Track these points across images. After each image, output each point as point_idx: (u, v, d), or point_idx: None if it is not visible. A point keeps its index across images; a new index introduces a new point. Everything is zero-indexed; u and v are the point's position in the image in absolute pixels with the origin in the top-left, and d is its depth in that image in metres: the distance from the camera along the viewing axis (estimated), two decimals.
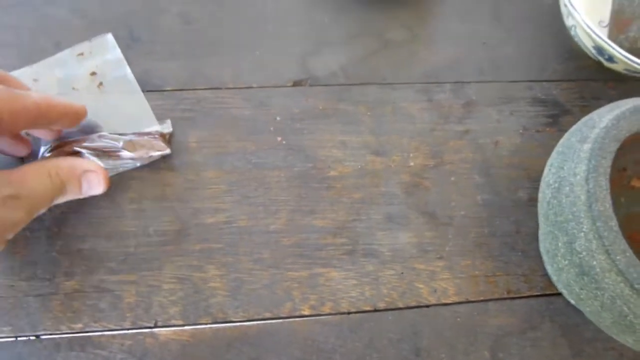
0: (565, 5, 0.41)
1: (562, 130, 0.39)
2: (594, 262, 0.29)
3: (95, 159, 0.34)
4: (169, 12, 0.41)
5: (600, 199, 0.29)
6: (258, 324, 0.34)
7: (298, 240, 0.36)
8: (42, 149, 0.34)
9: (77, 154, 0.34)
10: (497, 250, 0.37)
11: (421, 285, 0.36)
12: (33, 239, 0.34)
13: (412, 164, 0.39)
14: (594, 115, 0.34)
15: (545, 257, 0.35)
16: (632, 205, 0.37)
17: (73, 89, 0.38)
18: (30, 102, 0.29)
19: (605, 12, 0.44)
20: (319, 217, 0.36)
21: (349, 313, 0.34)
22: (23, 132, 0.35)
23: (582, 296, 0.31)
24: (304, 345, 0.33)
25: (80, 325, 0.32)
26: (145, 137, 0.35)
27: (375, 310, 0.35)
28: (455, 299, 0.35)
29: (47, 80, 0.38)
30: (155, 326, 0.33)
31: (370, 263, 0.36)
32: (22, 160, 0.35)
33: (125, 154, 0.35)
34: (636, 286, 0.28)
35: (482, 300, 0.36)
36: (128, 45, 0.40)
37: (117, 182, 0.36)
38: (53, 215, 0.35)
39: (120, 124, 0.37)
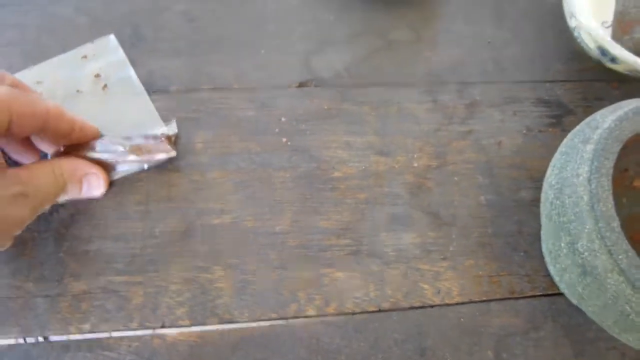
0: (568, 7, 0.41)
1: (566, 131, 0.40)
2: (597, 262, 0.29)
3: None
4: (172, 10, 0.41)
5: (602, 199, 0.30)
6: (264, 325, 0.34)
7: (303, 241, 0.36)
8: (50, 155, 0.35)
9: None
10: (500, 250, 0.37)
11: (425, 286, 0.36)
12: (40, 241, 0.34)
13: (416, 164, 0.39)
14: (597, 116, 0.34)
15: (547, 258, 0.36)
16: (634, 206, 0.38)
17: (77, 91, 0.38)
18: (42, 107, 0.30)
19: (609, 12, 0.44)
20: (323, 218, 0.37)
21: (353, 314, 0.35)
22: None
23: (584, 296, 0.31)
24: (309, 345, 0.34)
25: (88, 327, 0.33)
26: (152, 141, 0.35)
27: (380, 311, 0.35)
28: (459, 299, 0.36)
29: (51, 82, 0.38)
30: (163, 327, 0.33)
31: (375, 263, 0.36)
32: None
33: (132, 157, 0.35)
34: (637, 285, 0.28)
35: (485, 301, 0.36)
36: (132, 44, 0.40)
37: (123, 183, 0.36)
38: (60, 217, 0.35)
39: (126, 125, 0.37)
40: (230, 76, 0.40)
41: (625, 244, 0.29)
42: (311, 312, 0.34)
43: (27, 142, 0.34)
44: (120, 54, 0.40)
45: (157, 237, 0.35)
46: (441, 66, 0.42)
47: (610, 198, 0.30)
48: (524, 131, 0.41)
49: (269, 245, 0.36)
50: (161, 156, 0.36)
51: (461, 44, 0.43)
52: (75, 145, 0.34)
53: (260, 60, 0.41)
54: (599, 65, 0.43)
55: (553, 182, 0.33)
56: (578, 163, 0.32)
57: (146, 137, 0.36)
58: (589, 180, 0.30)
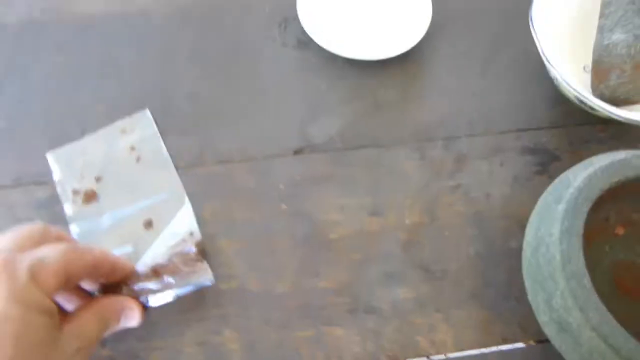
0: (545, 57, 0.43)
1: (552, 177, 0.41)
2: (571, 319, 0.31)
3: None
4: (179, 92, 0.46)
5: (573, 258, 0.32)
6: None
7: (304, 301, 0.39)
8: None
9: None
10: (492, 299, 0.40)
11: (420, 338, 0.38)
12: None
13: (407, 221, 0.42)
14: (569, 174, 0.36)
15: (533, 308, 0.38)
16: (617, 253, 0.39)
17: (115, 162, 0.43)
18: (90, 258, 0.32)
19: (588, 57, 0.46)
20: (322, 278, 0.40)
21: None
22: None
23: (563, 349, 0.33)
24: None
25: None
26: (184, 262, 0.38)
27: None
28: (453, 349, 0.38)
29: (93, 155, 0.43)
30: None
31: (371, 319, 0.39)
32: None
33: (166, 292, 0.37)
34: (609, 341, 0.30)
35: (479, 350, 0.38)
36: None
37: None
38: None
39: (154, 196, 0.42)
40: (232, 149, 0.44)
41: (595, 301, 0.31)
42: None
43: (73, 288, 0.36)
44: (154, 127, 0.44)
45: (174, 305, 0.39)
46: (428, 122, 0.45)
47: (581, 256, 0.32)
48: (511, 181, 0.43)
49: (273, 306, 0.39)
50: (197, 279, 0.38)
51: (447, 98, 0.46)
52: (116, 284, 0.37)
53: (259, 131, 0.44)
54: (582, 109, 0.45)
55: (530, 240, 0.35)
56: (551, 222, 0.34)
57: (180, 254, 0.38)
58: (560, 240, 0.32)
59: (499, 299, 0.40)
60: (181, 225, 0.40)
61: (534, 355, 0.38)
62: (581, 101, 0.41)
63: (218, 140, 0.44)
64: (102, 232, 0.41)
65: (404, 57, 0.46)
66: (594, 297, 0.31)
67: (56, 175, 0.43)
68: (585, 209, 0.33)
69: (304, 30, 0.46)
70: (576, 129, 0.46)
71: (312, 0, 0.48)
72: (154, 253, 0.39)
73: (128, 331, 0.38)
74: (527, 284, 0.35)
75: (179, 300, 0.38)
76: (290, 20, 0.49)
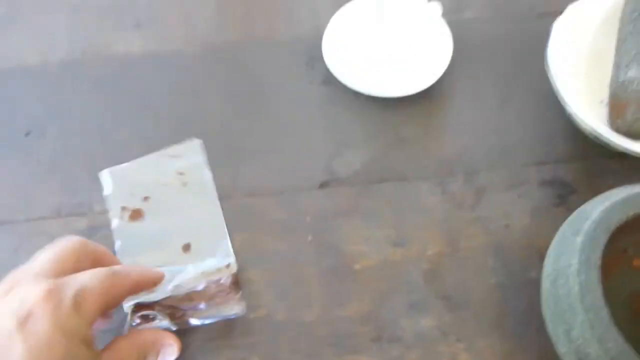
0: (560, 95, 0.44)
1: (570, 210, 0.42)
2: (589, 350, 0.32)
3: (167, 321, 0.38)
4: (211, 128, 0.48)
5: (591, 290, 0.33)
6: None
7: (330, 330, 0.41)
8: (125, 308, 0.38)
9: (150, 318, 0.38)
10: (513, 329, 0.41)
11: None
12: None
13: (429, 252, 0.43)
14: (587, 206, 0.37)
15: (552, 339, 0.39)
16: (636, 284, 0.40)
17: (163, 185, 0.45)
18: (129, 282, 0.34)
19: (605, 91, 0.47)
20: (347, 308, 0.41)
21: None
22: None
23: None
24: None
25: None
26: (220, 290, 0.40)
27: None
28: None
29: (144, 175, 0.46)
30: None
31: (395, 348, 0.40)
32: None
33: (194, 318, 0.39)
34: None
35: None
36: None
37: None
38: None
39: (196, 222, 0.44)
40: (261, 182, 0.46)
41: (614, 332, 0.32)
42: None
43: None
44: (203, 156, 0.47)
45: (202, 332, 0.41)
46: (449, 156, 0.47)
47: (600, 288, 0.33)
48: (530, 212, 0.45)
49: (300, 335, 0.40)
50: (229, 310, 0.40)
51: (466, 133, 0.48)
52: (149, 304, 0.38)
53: (286, 165, 0.47)
54: (600, 142, 0.46)
55: (549, 272, 0.36)
56: (569, 254, 0.35)
57: (215, 283, 0.40)
58: (579, 272, 0.34)
59: (520, 328, 0.41)
60: (219, 256, 0.42)
61: None
62: (596, 137, 0.43)
63: (248, 174, 0.46)
64: (142, 249, 0.43)
65: (425, 93, 0.48)
66: (613, 329, 0.32)
67: (107, 191, 0.45)
68: (602, 241, 0.34)
69: (329, 69, 0.48)
70: (594, 162, 0.47)
71: (336, 40, 0.50)
72: (188, 277, 0.41)
73: None
74: (546, 315, 0.36)
75: (207, 327, 0.40)
76: (315, 59, 0.51)
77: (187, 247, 0.43)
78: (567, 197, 0.45)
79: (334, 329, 0.41)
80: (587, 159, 0.47)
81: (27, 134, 0.49)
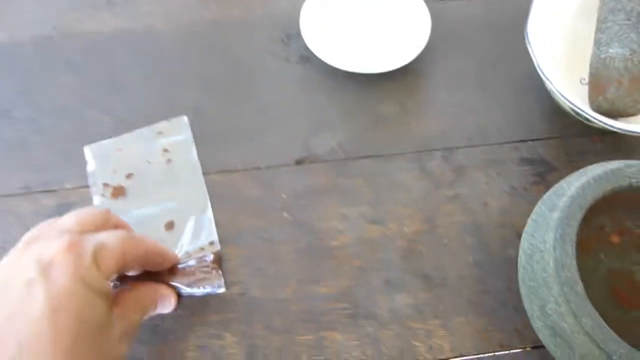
0: (541, 71, 0.44)
1: (549, 187, 0.42)
2: (564, 324, 0.32)
3: None
4: (185, 107, 0.47)
5: (566, 265, 0.33)
6: None
7: (305, 307, 0.40)
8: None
9: None
10: (490, 306, 0.40)
11: (418, 343, 0.39)
12: None
13: (406, 230, 0.43)
14: (563, 183, 0.37)
15: (528, 314, 0.38)
16: (613, 261, 0.40)
17: (148, 162, 0.45)
18: (144, 248, 0.34)
19: (585, 70, 0.47)
20: (323, 285, 0.41)
21: None
22: None
23: (557, 354, 0.34)
24: None
25: None
26: (202, 266, 0.39)
27: None
28: (450, 354, 0.39)
29: (128, 152, 0.45)
30: None
31: (370, 325, 0.39)
32: None
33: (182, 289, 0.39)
34: (602, 346, 0.31)
35: (475, 355, 0.39)
36: None
37: None
38: None
39: (179, 200, 0.43)
40: (236, 160, 0.45)
41: (588, 307, 0.32)
42: None
43: None
44: (189, 134, 0.46)
45: (176, 310, 0.40)
46: (427, 135, 0.46)
47: (574, 263, 0.33)
48: (509, 191, 0.44)
49: (275, 312, 0.40)
50: (208, 289, 0.39)
51: (445, 113, 0.47)
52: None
53: (262, 143, 0.46)
54: (579, 120, 0.46)
55: (525, 248, 0.36)
56: (545, 230, 0.35)
57: (198, 259, 0.39)
58: (554, 248, 0.33)
59: (497, 306, 0.40)
60: (203, 233, 0.42)
61: None
62: (577, 113, 0.42)
63: (224, 151, 0.45)
64: None
65: (404, 71, 0.47)
66: (587, 303, 0.32)
67: (90, 167, 0.44)
68: (578, 217, 0.34)
69: (307, 46, 0.47)
70: (573, 140, 0.47)
71: (314, 16, 0.49)
72: None
73: None
74: (523, 290, 0.36)
75: (181, 304, 0.39)
76: (293, 36, 0.50)
77: (170, 225, 0.42)
78: (546, 175, 0.45)
79: (309, 305, 0.40)
80: (567, 137, 0.47)
81: None
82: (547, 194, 0.37)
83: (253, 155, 0.45)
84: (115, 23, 0.52)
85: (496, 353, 0.39)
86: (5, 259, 0.31)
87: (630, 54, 0.42)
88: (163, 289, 0.37)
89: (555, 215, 0.35)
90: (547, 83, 0.43)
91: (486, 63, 0.50)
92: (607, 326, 0.31)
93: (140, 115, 0.47)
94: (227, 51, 0.50)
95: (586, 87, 0.47)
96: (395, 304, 0.40)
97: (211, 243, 0.41)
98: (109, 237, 0.32)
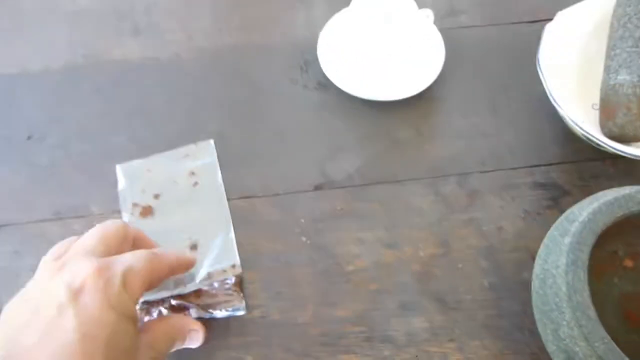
0: (552, 97, 0.45)
1: (563, 211, 0.43)
2: (577, 349, 0.33)
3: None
4: (205, 133, 0.49)
5: (578, 290, 0.33)
6: None
7: (323, 330, 0.41)
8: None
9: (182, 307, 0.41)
10: (505, 330, 0.41)
11: None
12: None
13: (422, 254, 0.44)
14: (575, 209, 0.38)
15: (542, 339, 0.39)
16: (626, 285, 0.40)
17: (174, 182, 0.47)
18: (168, 264, 0.35)
19: (597, 95, 0.48)
20: (340, 308, 0.42)
21: None
22: None
23: None
24: None
25: None
26: (225, 289, 0.41)
27: None
28: None
29: (157, 172, 0.47)
30: None
31: (387, 348, 0.40)
32: None
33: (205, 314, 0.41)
34: None
35: None
36: None
37: None
38: None
39: (204, 222, 0.45)
40: (256, 185, 0.47)
41: (601, 331, 0.32)
42: None
43: None
44: (214, 158, 0.48)
45: (197, 332, 0.41)
46: (442, 159, 0.47)
47: (586, 288, 0.33)
48: (523, 215, 0.45)
49: (294, 335, 0.41)
50: (230, 311, 0.41)
51: (459, 136, 0.49)
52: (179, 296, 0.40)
53: (281, 168, 0.47)
54: (591, 145, 0.46)
55: (538, 273, 0.37)
56: (557, 255, 0.35)
57: (220, 282, 0.41)
58: (566, 273, 0.34)
59: (512, 329, 0.41)
60: (226, 256, 0.43)
61: None
62: (589, 139, 0.43)
63: (244, 176, 0.47)
64: None
65: (418, 97, 0.49)
66: (600, 327, 0.32)
67: (120, 185, 0.47)
68: (590, 242, 0.35)
69: (324, 73, 0.49)
70: (586, 165, 0.47)
71: (331, 44, 0.51)
72: (195, 276, 0.42)
73: None
74: (536, 315, 0.37)
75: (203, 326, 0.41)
76: (310, 63, 0.52)
77: (194, 246, 0.44)
78: (559, 200, 0.46)
79: (327, 329, 0.41)
80: (580, 161, 0.47)
81: (28, 138, 0.50)
82: (559, 219, 0.38)
83: (272, 180, 0.47)
84: (140, 51, 0.55)
85: None
86: (35, 283, 0.32)
87: (639, 80, 0.43)
88: (193, 324, 0.38)
89: (567, 240, 0.35)
90: (559, 109, 0.44)
91: (499, 87, 0.51)
92: (619, 350, 0.32)
93: (165, 140, 0.49)
94: (247, 77, 0.52)
95: (597, 112, 0.48)
96: (411, 328, 0.41)
97: (233, 266, 0.43)
98: (135, 259, 0.33)
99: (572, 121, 0.43)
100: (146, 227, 0.44)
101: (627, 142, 0.45)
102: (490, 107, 0.50)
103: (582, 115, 0.45)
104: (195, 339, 0.38)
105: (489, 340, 0.41)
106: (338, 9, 0.53)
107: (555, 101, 0.44)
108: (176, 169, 0.47)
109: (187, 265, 0.38)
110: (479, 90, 0.51)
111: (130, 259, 0.33)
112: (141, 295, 0.33)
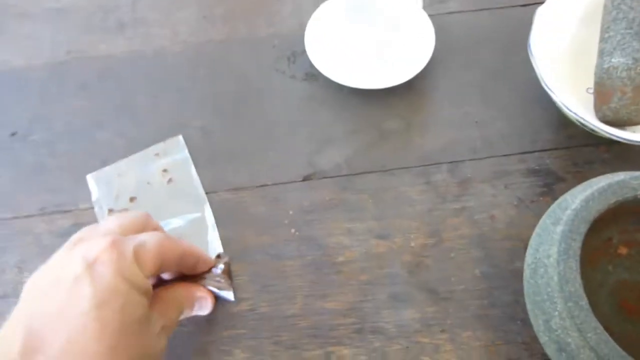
0: (545, 83, 0.44)
1: (557, 198, 0.42)
2: (569, 339, 0.32)
3: None
4: (191, 126, 0.48)
5: (570, 280, 0.32)
6: None
7: (312, 322, 0.41)
8: None
9: None
10: (497, 320, 0.40)
11: (426, 358, 0.39)
12: None
13: (413, 244, 0.43)
14: (567, 196, 0.37)
15: (534, 329, 0.38)
16: (621, 273, 0.40)
17: (148, 183, 0.46)
18: (180, 250, 0.36)
19: (591, 79, 0.47)
20: (330, 300, 0.41)
21: None
22: None
23: None
24: None
25: None
26: (214, 278, 0.40)
27: None
28: None
29: (129, 176, 0.46)
30: None
31: (378, 339, 0.40)
32: None
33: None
34: None
35: None
36: None
37: None
38: None
39: (183, 217, 0.45)
40: (244, 177, 0.46)
41: (593, 321, 0.31)
42: None
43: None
44: (185, 152, 0.47)
45: (185, 326, 0.41)
46: (433, 149, 0.47)
47: (578, 278, 0.33)
48: (516, 203, 0.44)
49: (283, 327, 0.40)
50: (218, 291, 0.40)
51: (450, 126, 0.48)
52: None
53: (269, 160, 0.47)
54: (586, 130, 0.45)
55: (529, 262, 0.36)
56: (549, 244, 0.35)
57: (206, 273, 0.40)
58: (558, 262, 0.33)
59: (505, 319, 0.40)
60: (210, 247, 0.43)
61: None
62: (582, 124, 0.42)
63: (231, 169, 0.46)
64: None
65: (408, 86, 0.48)
66: (592, 318, 0.31)
67: (94, 195, 0.46)
68: (582, 230, 0.34)
69: (312, 63, 0.48)
70: (580, 150, 0.46)
71: (318, 34, 0.50)
72: None
73: None
74: (528, 305, 0.36)
75: (192, 321, 0.40)
76: (298, 54, 0.51)
77: None
78: (553, 186, 0.45)
79: (316, 321, 0.41)
80: (574, 147, 0.47)
81: (12, 135, 0.49)
82: (552, 207, 0.37)
83: (260, 172, 0.46)
84: (126, 46, 0.54)
85: None
86: (54, 258, 0.33)
87: (633, 63, 0.42)
88: (200, 291, 0.39)
89: (559, 229, 0.34)
90: (551, 95, 0.43)
91: (491, 74, 0.50)
92: (612, 341, 0.31)
93: (151, 135, 0.48)
94: (234, 70, 0.52)
95: (592, 97, 0.47)
96: (402, 319, 0.40)
97: (218, 256, 0.42)
98: (148, 238, 0.34)
99: (565, 106, 0.42)
100: None
101: (622, 126, 0.44)
102: (481, 94, 0.49)
103: (576, 100, 0.44)
104: (204, 306, 0.39)
105: (481, 331, 0.40)
106: None
107: (547, 86, 0.43)
108: (148, 169, 0.47)
109: (201, 260, 0.39)
110: (469, 77, 0.50)
111: (144, 237, 0.34)
112: (153, 270, 0.33)
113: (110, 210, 0.45)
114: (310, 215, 0.44)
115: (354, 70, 0.49)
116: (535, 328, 0.35)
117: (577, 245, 0.33)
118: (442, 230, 0.43)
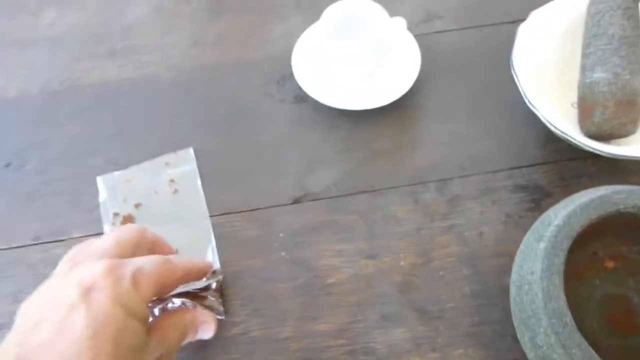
0: (528, 100, 0.44)
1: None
2: (554, 356, 0.32)
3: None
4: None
5: (554, 296, 0.33)
6: None
7: (304, 344, 0.41)
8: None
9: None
10: (488, 338, 0.40)
11: None
12: None
13: (402, 263, 0.43)
14: (550, 212, 0.37)
15: (522, 345, 0.38)
16: (607, 287, 0.40)
17: (155, 192, 0.47)
18: (181, 272, 0.35)
19: (576, 93, 0.47)
20: (321, 322, 0.41)
21: None
22: None
23: None
24: None
25: None
26: (206, 295, 0.41)
27: None
28: None
29: (137, 182, 0.48)
30: None
31: None
32: None
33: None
34: None
35: None
36: None
37: None
38: None
39: (185, 228, 0.45)
40: (235, 200, 0.46)
41: (577, 338, 0.32)
42: None
43: None
44: (194, 165, 0.48)
45: (183, 350, 0.41)
46: (420, 167, 0.47)
47: (562, 294, 0.33)
48: (504, 219, 0.45)
49: (275, 350, 0.41)
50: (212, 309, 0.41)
51: (438, 144, 0.48)
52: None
53: (259, 183, 0.47)
54: (572, 144, 0.46)
55: (514, 279, 0.36)
56: (533, 261, 0.35)
57: (199, 289, 0.41)
58: (541, 279, 0.33)
59: (495, 337, 0.40)
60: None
61: None
62: (567, 139, 0.43)
63: (222, 192, 0.47)
64: None
65: (396, 106, 0.49)
66: (576, 334, 0.32)
67: (102, 197, 0.47)
68: (565, 247, 0.34)
69: (300, 86, 0.49)
70: (567, 164, 0.47)
71: (305, 57, 0.51)
72: None
73: None
74: (515, 322, 0.36)
75: (186, 345, 0.40)
76: (287, 77, 0.52)
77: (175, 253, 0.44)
78: (541, 202, 0.45)
79: (308, 343, 0.41)
80: (561, 161, 0.47)
81: (7, 165, 0.50)
82: (535, 224, 0.37)
83: (251, 195, 0.47)
84: (118, 73, 0.55)
85: None
86: (50, 282, 0.32)
87: (614, 78, 0.42)
88: (204, 316, 0.38)
89: (542, 245, 0.35)
90: (534, 110, 0.43)
91: (477, 92, 0.51)
92: (597, 356, 0.31)
93: (144, 160, 0.49)
94: (224, 94, 0.53)
95: (577, 111, 0.47)
96: (393, 339, 0.41)
97: (214, 272, 0.43)
98: (146, 262, 0.33)
99: (548, 122, 0.42)
100: None
101: (606, 140, 0.44)
102: (468, 112, 0.49)
103: (561, 115, 0.44)
104: (207, 331, 0.39)
105: (472, 349, 0.40)
106: (312, 21, 0.53)
107: (530, 102, 0.43)
108: (156, 178, 0.48)
109: (203, 271, 0.39)
110: (456, 95, 0.51)
111: (142, 260, 0.33)
112: (151, 296, 0.33)
113: (115, 214, 0.46)
114: (300, 238, 0.45)
115: (341, 91, 0.50)
116: (522, 345, 0.36)
117: (560, 261, 0.34)
118: (431, 249, 0.44)
